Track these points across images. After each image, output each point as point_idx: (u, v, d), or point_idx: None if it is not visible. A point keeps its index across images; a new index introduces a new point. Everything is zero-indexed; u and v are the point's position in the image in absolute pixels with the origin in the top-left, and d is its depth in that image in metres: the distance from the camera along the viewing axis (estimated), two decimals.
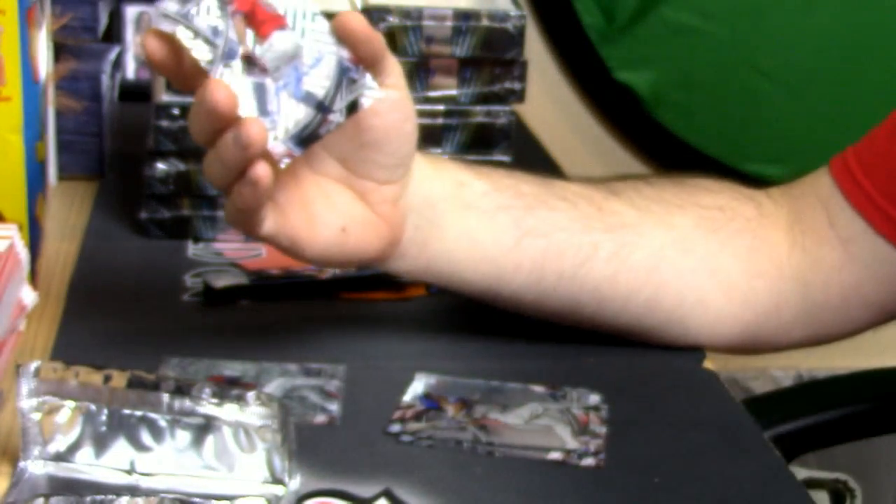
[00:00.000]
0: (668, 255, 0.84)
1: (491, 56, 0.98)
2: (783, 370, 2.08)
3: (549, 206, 0.82)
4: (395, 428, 0.75)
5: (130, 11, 1.31)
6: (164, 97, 0.97)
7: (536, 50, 1.76)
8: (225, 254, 0.99)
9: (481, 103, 1.00)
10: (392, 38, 0.97)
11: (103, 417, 0.67)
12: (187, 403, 0.66)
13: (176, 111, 0.97)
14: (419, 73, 0.98)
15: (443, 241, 0.80)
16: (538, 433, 0.76)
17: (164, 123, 0.97)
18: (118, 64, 1.23)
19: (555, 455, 0.74)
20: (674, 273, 0.84)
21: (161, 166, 0.99)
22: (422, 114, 0.99)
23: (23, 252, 0.83)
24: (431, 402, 0.78)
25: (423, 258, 0.80)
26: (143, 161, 0.99)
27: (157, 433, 0.67)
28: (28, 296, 0.82)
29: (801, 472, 1.11)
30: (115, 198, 1.08)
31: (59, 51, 1.12)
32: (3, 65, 0.84)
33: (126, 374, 0.66)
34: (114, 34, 1.30)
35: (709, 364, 0.87)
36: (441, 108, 1.00)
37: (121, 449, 0.67)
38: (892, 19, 1.80)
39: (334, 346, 0.86)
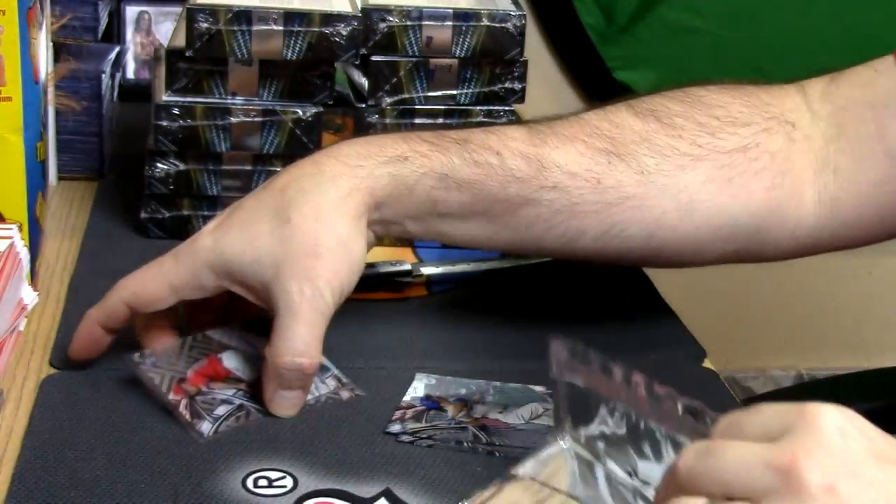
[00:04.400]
0: (668, 222, 0.81)
1: (491, 56, 0.99)
2: (783, 370, 2.08)
3: (534, 203, 0.80)
4: (395, 428, 0.75)
5: (130, 11, 1.31)
6: (164, 97, 0.97)
7: (536, 50, 1.76)
8: None
9: (481, 103, 1.00)
10: (392, 38, 0.97)
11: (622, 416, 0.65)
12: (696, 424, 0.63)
13: (176, 111, 0.97)
14: (419, 73, 0.98)
15: (417, 235, 0.84)
16: (538, 433, 0.76)
17: (164, 123, 0.97)
18: (118, 64, 1.23)
19: None
20: (672, 237, 0.81)
21: (161, 166, 0.99)
22: (422, 114, 1.00)
23: (23, 252, 0.83)
24: (431, 403, 0.78)
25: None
26: (143, 161, 0.99)
27: (655, 447, 0.64)
28: (28, 296, 0.82)
29: None
30: (115, 198, 1.08)
31: (59, 51, 1.12)
32: (3, 65, 0.84)
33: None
34: (114, 34, 1.30)
35: (709, 364, 0.87)
36: (441, 108, 1.00)
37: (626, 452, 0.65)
38: (891, 19, 1.80)
39: (334, 346, 0.86)
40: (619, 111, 0.82)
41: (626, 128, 0.81)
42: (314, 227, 0.76)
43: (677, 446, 0.60)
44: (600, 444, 0.64)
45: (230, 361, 0.78)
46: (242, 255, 0.76)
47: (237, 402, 0.75)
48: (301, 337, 0.75)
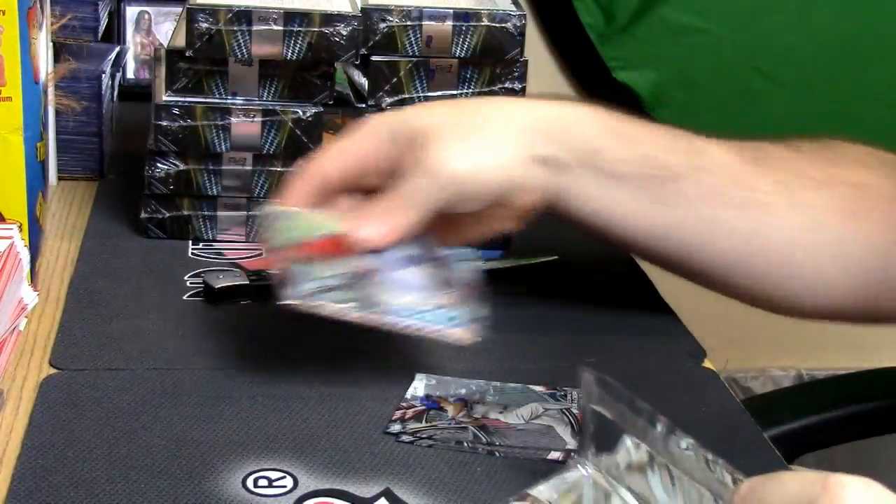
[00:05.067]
0: (803, 239, 0.83)
1: (491, 56, 0.98)
2: (783, 370, 2.08)
3: (685, 180, 0.82)
4: (396, 428, 0.75)
5: (130, 11, 1.31)
6: (164, 97, 0.97)
7: (536, 50, 1.76)
8: (225, 254, 0.99)
9: None
10: (392, 38, 0.97)
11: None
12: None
13: (176, 111, 0.97)
14: (419, 73, 0.98)
15: (572, 204, 0.83)
16: (538, 433, 0.76)
17: (164, 123, 0.97)
18: (118, 64, 1.23)
19: (555, 455, 0.74)
20: (808, 257, 0.83)
21: (161, 166, 0.99)
22: None
23: (23, 252, 0.83)
24: (431, 403, 0.78)
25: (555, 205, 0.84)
26: (143, 161, 0.99)
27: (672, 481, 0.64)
28: (28, 296, 0.82)
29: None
30: (115, 198, 1.08)
31: (59, 51, 1.12)
32: (4, 65, 0.84)
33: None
34: (114, 34, 1.30)
35: (709, 364, 0.87)
36: None
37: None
38: (892, 19, 1.80)
39: (334, 346, 0.86)
40: (759, 142, 0.86)
41: (768, 149, 0.85)
42: (489, 115, 0.80)
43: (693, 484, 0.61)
44: (620, 471, 0.65)
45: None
46: (418, 117, 0.80)
47: (330, 283, 0.72)
48: (423, 188, 0.77)
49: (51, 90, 1.07)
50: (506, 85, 1.00)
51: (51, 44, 1.06)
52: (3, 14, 0.83)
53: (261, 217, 0.75)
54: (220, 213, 1.00)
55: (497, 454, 0.74)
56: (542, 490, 0.66)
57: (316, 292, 0.71)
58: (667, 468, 0.63)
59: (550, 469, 0.73)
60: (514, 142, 0.79)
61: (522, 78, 1.00)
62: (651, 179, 0.82)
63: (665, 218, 0.83)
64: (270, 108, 0.98)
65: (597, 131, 0.82)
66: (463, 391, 0.80)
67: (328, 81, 0.98)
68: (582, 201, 0.83)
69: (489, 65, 0.99)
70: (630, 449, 0.64)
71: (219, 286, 0.90)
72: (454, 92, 0.99)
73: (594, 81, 1.79)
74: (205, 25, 0.94)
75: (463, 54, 0.98)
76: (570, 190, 0.82)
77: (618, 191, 0.82)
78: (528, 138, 0.80)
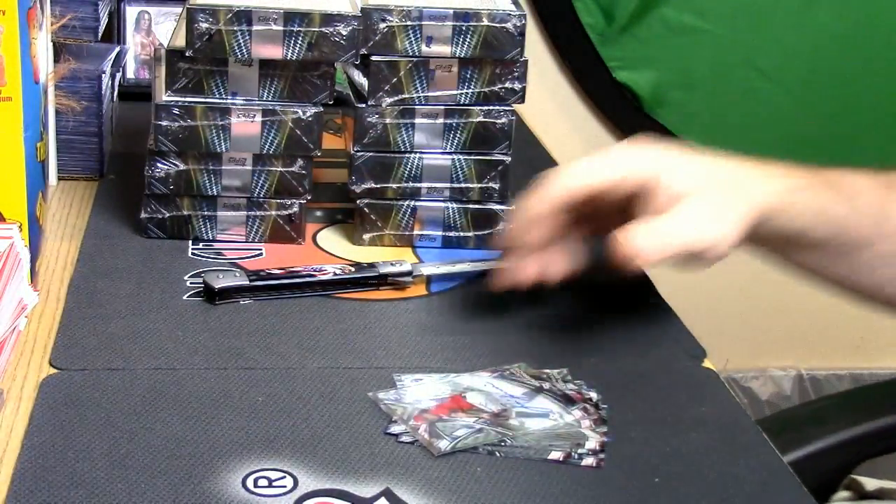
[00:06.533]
0: None
1: (491, 56, 0.98)
2: (783, 370, 2.08)
3: (873, 245, 0.89)
4: (396, 428, 0.75)
5: (130, 11, 1.31)
6: (164, 97, 0.97)
7: (536, 50, 1.76)
8: (225, 254, 0.99)
9: (481, 103, 1.00)
10: (392, 38, 0.97)
11: None
12: None
13: (176, 111, 0.97)
14: (419, 73, 0.98)
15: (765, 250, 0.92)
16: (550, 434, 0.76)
17: (164, 123, 0.97)
18: (118, 64, 1.23)
19: (555, 455, 0.74)
20: None
21: (161, 166, 0.99)
22: (422, 114, 1.00)
23: (23, 252, 0.83)
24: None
25: None
26: (143, 161, 0.99)
27: None
28: (28, 296, 0.82)
29: (870, 483, 1.10)
30: (115, 198, 1.08)
31: (59, 51, 1.12)
32: (4, 65, 0.84)
33: None
34: (114, 34, 1.30)
35: (709, 364, 0.87)
36: (441, 108, 1.00)
37: None
38: (892, 19, 1.80)
39: (334, 345, 0.86)
40: None
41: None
42: (729, 195, 0.85)
43: None
44: None
45: (475, 398, 0.79)
46: (672, 175, 0.84)
47: (477, 426, 0.75)
48: (661, 235, 0.82)
49: (51, 90, 1.07)
50: (506, 85, 1.00)
51: (51, 44, 1.06)
52: (3, 14, 0.83)
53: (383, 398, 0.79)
54: (220, 213, 1.00)
55: (498, 454, 0.74)
56: None
57: (466, 437, 0.74)
58: None
59: (550, 469, 0.73)
60: (741, 217, 0.84)
61: (522, 78, 1.00)
62: (843, 248, 0.90)
63: (852, 273, 0.91)
64: (270, 108, 0.98)
65: (803, 208, 0.87)
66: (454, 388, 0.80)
67: (328, 81, 0.98)
68: (778, 258, 0.93)
69: (489, 65, 0.99)
70: None
71: (219, 286, 0.90)
72: (454, 92, 0.99)
73: (594, 81, 1.79)
74: (205, 25, 0.94)
75: (463, 54, 0.98)
76: (767, 248, 0.91)
77: (810, 255, 0.91)
78: (745, 218, 0.85)
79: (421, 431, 0.74)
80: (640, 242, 0.81)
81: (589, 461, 0.73)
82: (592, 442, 0.75)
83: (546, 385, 0.80)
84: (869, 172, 0.91)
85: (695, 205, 0.83)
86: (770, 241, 0.89)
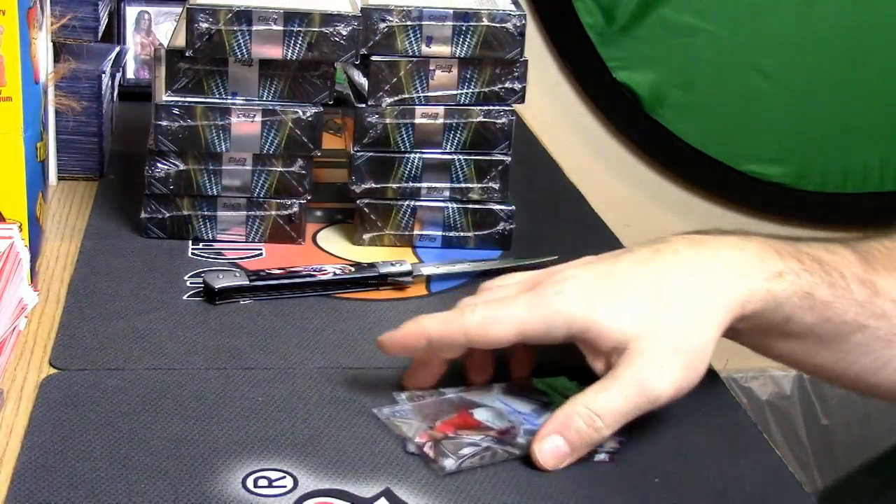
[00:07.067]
0: None
1: (491, 56, 0.98)
2: (783, 370, 2.08)
3: (863, 329, 0.80)
4: (410, 446, 0.74)
5: (130, 11, 1.31)
6: (164, 97, 0.97)
7: (536, 50, 1.76)
8: (225, 254, 0.99)
9: (481, 103, 1.00)
10: (392, 38, 0.97)
11: None
12: None
13: (176, 111, 0.97)
14: (419, 73, 0.98)
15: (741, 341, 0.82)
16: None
17: (164, 123, 0.97)
18: (118, 64, 1.23)
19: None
20: None
21: (161, 166, 0.99)
22: (422, 114, 1.00)
23: (23, 252, 0.83)
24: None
25: None
26: (143, 161, 0.99)
27: None
28: (28, 296, 0.82)
29: None
30: (115, 198, 1.08)
31: (59, 51, 1.12)
32: (4, 65, 0.84)
33: None
34: (114, 34, 1.30)
35: None
36: (441, 108, 1.00)
37: None
38: (892, 19, 1.80)
39: (334, 345, 0.86)
40: None
41: (872, 249, 0.82)
42: (688, 324, 0.75)
43: None
44: None
45: (482, 415, 0.77)
46: (607, 322, 0.74)
47: (484, 444, 0.74)
48: (615, 404, 0.73)
49: (51, 90, 1.07)
50: (506, 85, 1.00)
51: (51, 44, 1.06)
52: (3, 14, 0.83)
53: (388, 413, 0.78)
54: (220, 213, 1.00)
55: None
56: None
57: (472, 456, 0.73)
58: None
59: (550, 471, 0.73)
60: (710, 344, 0.76)
61: (522, 78, 1.00)
62: (830, 335, 0.80)
63: (839, 360, 0.81)
64: (270, 108, 0.98)
65: (786, 297, 0.78)
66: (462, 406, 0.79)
67: (328, 81, 0.98)
68: (758, 350, 0.83)
69: (489, 65, 0.99)
70: None
71: (219, 286, 0.90)
72: (454, 92, 0.99)
73: (594, 81, 1.79)
74: (205, 25, 0.94)
75: (463, 54, 0.98)
76: (747, 343, 0.82)
77: (795, 344, 0.81)
78: (721, 328, 0.76)
79: (426, 449, 0.73)
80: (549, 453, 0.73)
81: (601, 457, 0.74)
82: (607, 446, 0.75)
83: (557, 399, 0.78)
84: (844, 242, 0.83)
85: (644, 354, 0.74)
86: (747, 333, 0.80)
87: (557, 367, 0.81)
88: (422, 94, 0.99)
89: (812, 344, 0.80)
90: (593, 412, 0.73)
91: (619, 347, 0.74)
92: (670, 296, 0.76)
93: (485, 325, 0.76)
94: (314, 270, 0.94)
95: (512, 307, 0.76)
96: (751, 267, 0.77)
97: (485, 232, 1.03)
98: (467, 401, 0.79)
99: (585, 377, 0.76)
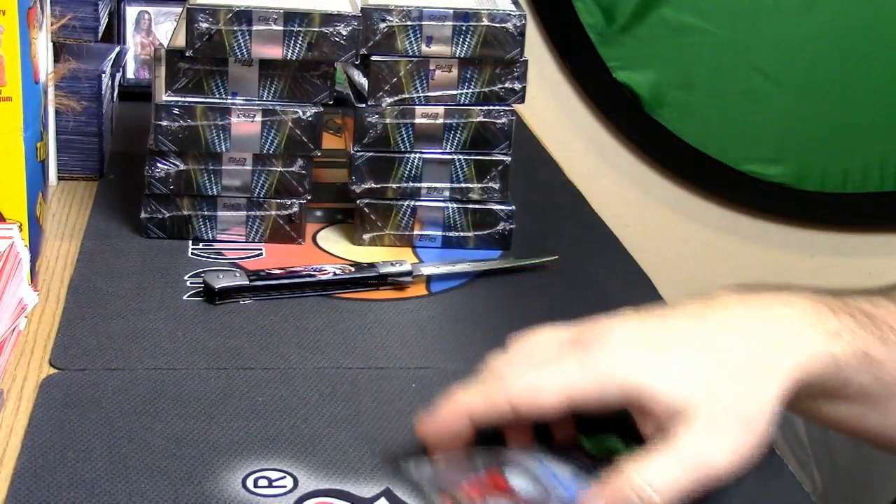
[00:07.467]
0: None
1: (491, 56, 0.98)
2: None
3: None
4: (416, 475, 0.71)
5: (130, 11, 1.31)
6: (164, 97, 0.97)
7: (536, 50, 1.76)
8: (225, 254, 0.99)
9: (481, 103, 1.00)
10: (392, 38, 0.97)
11: None
12: None
13: (176, 111, 0.97)
14: (419, 73, 0.98)
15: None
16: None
17: (164, 123, 0.97)
18: (118, 64, 1.23)
19: None
20: None
21: (161, 166, 0.99)
22: (422, 114, 1.00)
23: (23, 252, 0.83)
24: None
25: None
26: (143, 161, 0.99)
27: None
28: (28, 296, 0.82)
29: None
30: (115, 198, 1.08)
31: (59, 51, 1.12)
32: (4, 65, 0.84)
33: None
34: (114, 34, 1.30)
35: None
36: (441, 108, 1.00)
37: None
38: (892, 19, 1.80)
39: (334, 345, 0.86)
40: None
41: None
42: (745, 387, 0.69)
43: None
44: None
45: (515, 478, 0.69)
46: (660, 382, 0.68)
47: None
48: (672, 476, 0.66)
49: (51, 90, 1.07)
50: (506, 85, 1.00)
51: (51, 44, 1.06)
52: (3, 14, 0.83)
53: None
54: (220, 213, 1.00)
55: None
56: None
57: None
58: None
59: None
60: (771, 408, 0.69)
61: (522, 78, 1.00)
62: (879, 396, 0.74)
63: (885, 422, 0.75)
64: (270, 108, 0.98)
65: (846, 360, 0.72)
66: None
67: (328, 81, 0.98)
68: (801, 413, 0.76)
69: (489, 65, 0.99)
70: None
71: (219, 286, 0.90)
72: (454, 92, 0.99)
73: (594, 81, 1.79)
74: (205, 25, 0.94)
75: (463, 54, 0.98)
76: (794, 407, 0.74)
77: (845, 406, 0.74)
78: (782, 391, 0.70)
79: None
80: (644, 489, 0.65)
81: None
82: None
83: (603, 463, 0.69)
84: (885, 293, 0.77)
85: (702, 423, 0.67)
86: (798, 398, 0.72)
87: (603, 420, 0.74)
88: (422, 94, 0.99)
89: (861, 405, 0.74)
90: (648, 483, 0.66)
91: (672, 411, 0.67)
92: (729, 354, 0.69)
93: (532, 394, 0.68)
94: (314, 270, 0.94)
95: (559, 372, 0.69)
96: (808, 325, 0.71)
97: (485, 232, 1.03)
98: (501, 457, 0.71)
99: (635, 433, 0.71)
